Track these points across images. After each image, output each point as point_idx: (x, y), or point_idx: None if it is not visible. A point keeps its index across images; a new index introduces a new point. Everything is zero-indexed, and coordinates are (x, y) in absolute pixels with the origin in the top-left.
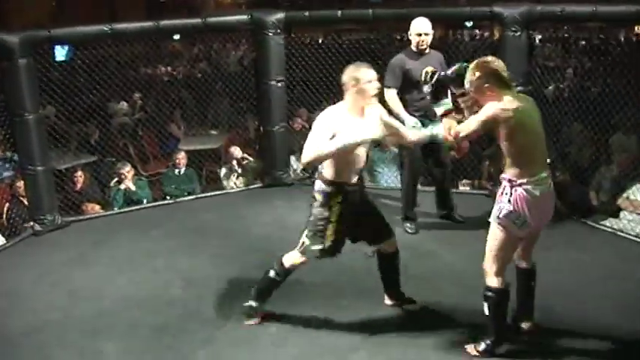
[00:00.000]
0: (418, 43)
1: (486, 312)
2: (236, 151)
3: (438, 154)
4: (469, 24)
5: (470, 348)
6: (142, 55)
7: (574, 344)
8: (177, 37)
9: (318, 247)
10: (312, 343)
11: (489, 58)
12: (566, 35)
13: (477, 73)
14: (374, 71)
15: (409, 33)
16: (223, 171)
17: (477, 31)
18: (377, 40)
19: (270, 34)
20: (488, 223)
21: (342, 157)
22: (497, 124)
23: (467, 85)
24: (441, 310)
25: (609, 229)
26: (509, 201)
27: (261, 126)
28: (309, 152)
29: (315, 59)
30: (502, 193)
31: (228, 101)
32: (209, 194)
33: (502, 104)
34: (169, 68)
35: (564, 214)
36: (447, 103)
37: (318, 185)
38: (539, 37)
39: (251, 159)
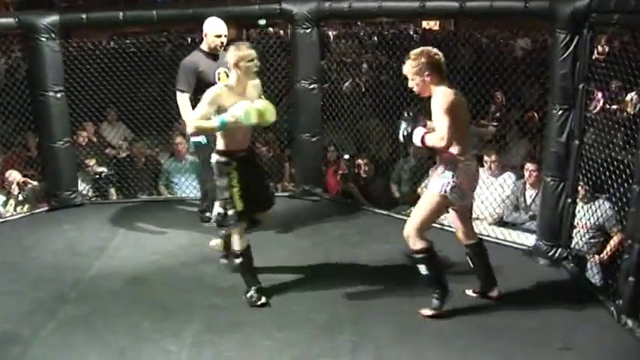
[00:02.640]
0: (216, 45)
1: (424, 272)
2: (13, 175)
3: None
4: (262, 22)
5: (425, 311)
6: None
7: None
8: None
9: (232, 211)
10: None
11: (433, 50)
12: (359, 31)
13: (423, 59)
14: (253, 50)
15: (204, 33)
16: (1, 198)
17: (271, 29)
18: (166, 42)
19: (44, 39)
20: (292, 225)
21: (229, 129)
22: (454, 112)
23: (408, 68)
24: (257, 320)
25: None
26: (452, 176)
27: (42, 143)
28: (192, 126)
29: (98, 66)
30: (445, 170)
31: (0, 117)
32: None
33: (448, 92)
34: None
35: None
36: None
37: (214, 158)
38: (334, 33)
39: (34, 182)
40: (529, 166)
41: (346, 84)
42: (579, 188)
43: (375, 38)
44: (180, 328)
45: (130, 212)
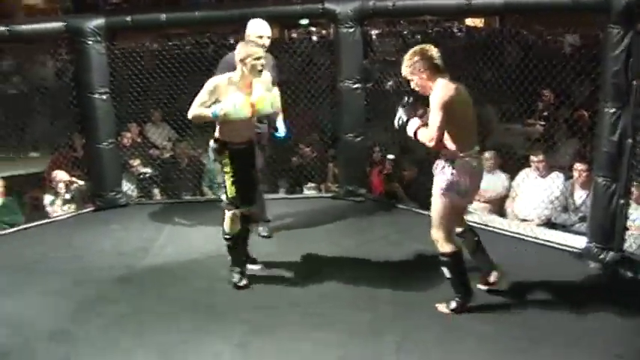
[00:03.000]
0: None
1: (448, 275)
2: (60, 175)
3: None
4: (304, 22)
5: (441, 307)
6: None
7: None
8: None
9: (224, 197)
10: None
11: (426, 46)
12: (402, 30)
13: (415, 58)
14: (262, 50)
15: (247, 34)
16: (49, 198)
17: (314, 28)
18: (209, 44)
19: (90, 42)
20: (336, 225)
21: (225, 120)
22: (450, 106)
23: (404, 69)
24: (298, 320)
25: None
26: (452, 174)
27: (87, 144)
28: (191, 111)
29: (142, 67)
30: (443, 168)
31: (48, 119)
32: (34, 224)
33: (445, 87)
34: None
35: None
36: (416, 121)
37: (210, 143)
38: (377, 32)
39: (80, 182)
40: (579, 166)
41: (390, 83)
42: (632, 189)
43: (419, 37)
44: (224, 328)
45: (174, 212)
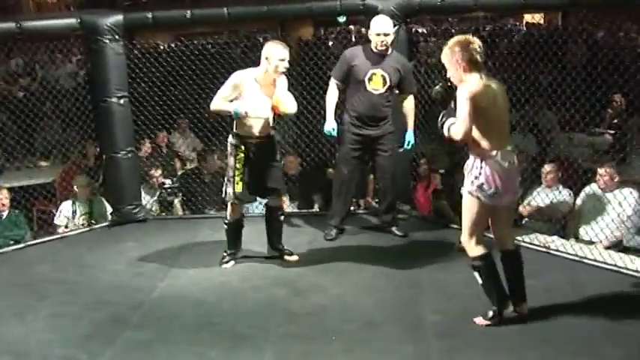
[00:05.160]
0: (377, 43)
1: (480, 281)
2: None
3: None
4: (342, 19)
5: (479, 320)
6: None
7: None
8: None
9: (231, 190)
10: None
11: (471, 38)
12: (449, 28)
13: (457, 48)
14: (287, 51)
15: (369, 32)
16: (65, 205)
17: (352, 27)
18: (238, 43)
19: (107, 40)
20: (377, 246)
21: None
22: (477, 100)
23: (443, 56)
24: (335, 351)
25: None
26: (480, 173)
27: (102, 153)
28: (213, 104)
29: (164, 69)
30: (472, 167)
31: (60, 124)
32: (42, 240)
33: (472, 85)
34: None
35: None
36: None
37: (229, 138)
38: (422, 30)
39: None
40: None
41: (436, 87)
42: None
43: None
44: (251, 358)
45: (198, 229)
